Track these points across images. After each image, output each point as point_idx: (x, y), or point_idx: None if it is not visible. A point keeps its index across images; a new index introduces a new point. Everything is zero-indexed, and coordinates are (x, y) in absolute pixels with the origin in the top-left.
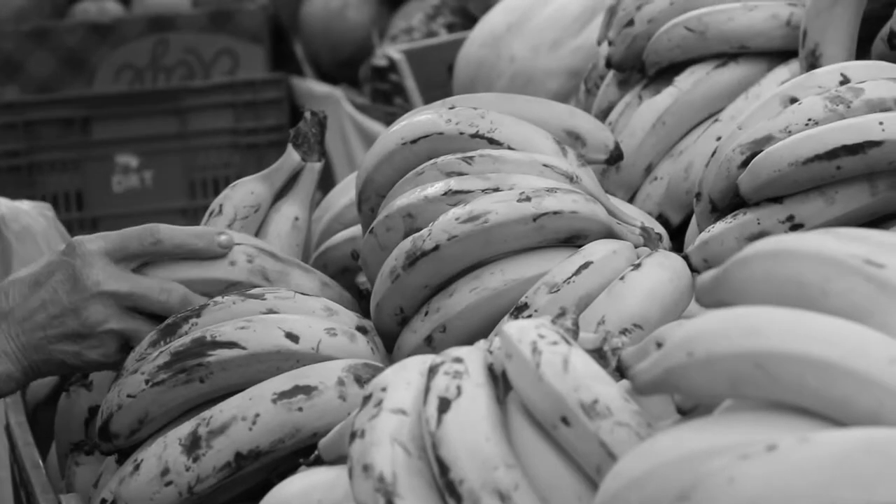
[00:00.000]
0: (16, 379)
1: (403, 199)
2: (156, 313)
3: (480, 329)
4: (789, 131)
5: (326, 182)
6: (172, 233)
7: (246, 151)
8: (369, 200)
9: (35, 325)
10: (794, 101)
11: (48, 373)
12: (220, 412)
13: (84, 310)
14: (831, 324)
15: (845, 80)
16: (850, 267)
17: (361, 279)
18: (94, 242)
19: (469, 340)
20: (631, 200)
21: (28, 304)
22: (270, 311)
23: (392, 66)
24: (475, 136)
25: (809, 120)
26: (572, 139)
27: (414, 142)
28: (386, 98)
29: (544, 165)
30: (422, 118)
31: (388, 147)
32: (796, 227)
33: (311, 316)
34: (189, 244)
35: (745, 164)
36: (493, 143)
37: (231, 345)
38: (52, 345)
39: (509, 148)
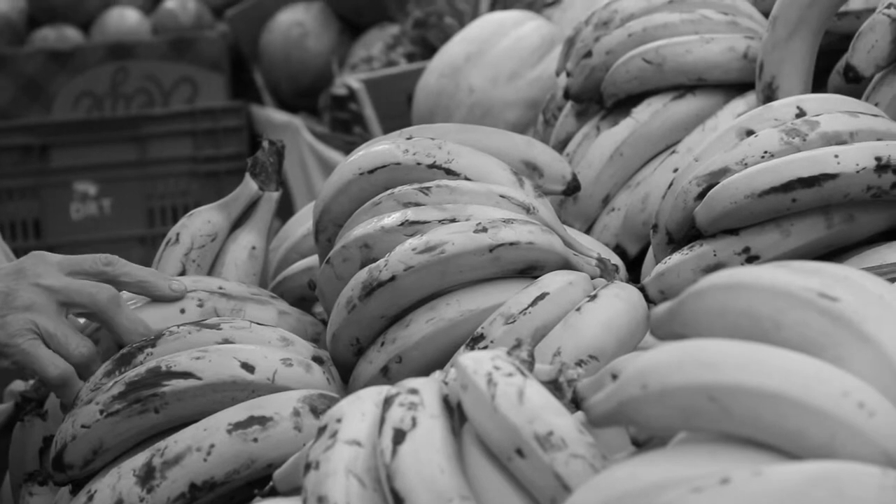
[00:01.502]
0: None
1: (360, 229)
2: (86, 309)
3: (437, 360)
4: (745, 163)
5: (285, 211)
6: (126, 262)
7: (205, 179)
8: (326, 231)
9: None
10: (750, 133)
11: None
12: (174, 443)
13: (10, 315)
14: (784, 357)
15: (801, 113)
16: (804, 300)
17: (318, 309)
18: (52, 256)
19: (425, 371)
20: (588, 231)
21: None
22: (226, 341)
23: (351, 95)
24: (432, 166)
25: (765, 152)
26: (530, 170)
27: (371, 172)
28: (345, 127)
29: (501, 196)
30: (379, 148)
31: (345, 177)
32: (752, 259)
33: (267, 346)
34: (140, 276)
35: (701, 195)
36: (450, 173)
37: (186, 375)
38: None
39: (466, 178)
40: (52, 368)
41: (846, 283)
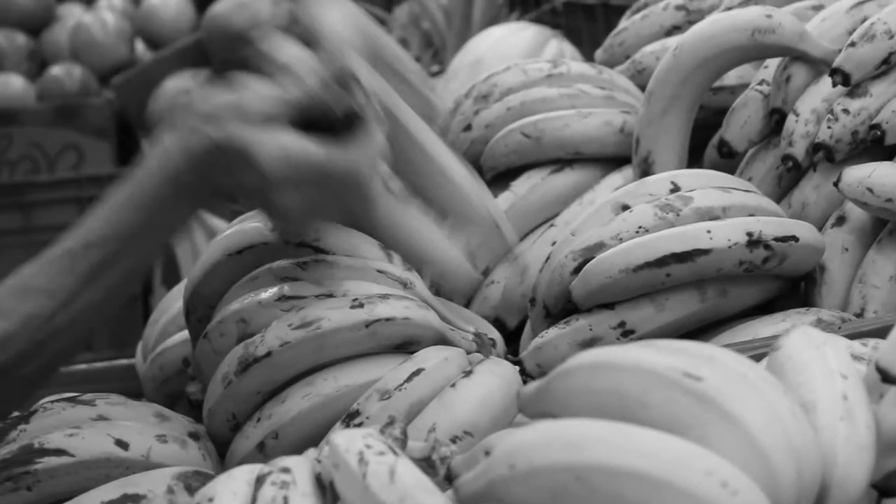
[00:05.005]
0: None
1: (237, 303)
2: None
3: (313, 435)
4: (620, 238)
5: (171, 278)
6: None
7: None
8: (196, 311)
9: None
10: (625, 207)
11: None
12: None
13: None
14: (650, 436)
15: (675, 188)
16: (669, 379)
17: (191, 388)
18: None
19: (302, 447)
20: (468, 305)
21: None
22: (101, 418)
23: None
24: (301, 245)
25: (640, 227)
26: None
27: (239, 252)
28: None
29: (378, 271)
30: (248, 227)
31: (214, 258)
32: (628, 334)
33: (143, 422)
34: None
35: (577, 270)
36: (318, 251)
37: (59, 452)
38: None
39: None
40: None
41: (711, 362)
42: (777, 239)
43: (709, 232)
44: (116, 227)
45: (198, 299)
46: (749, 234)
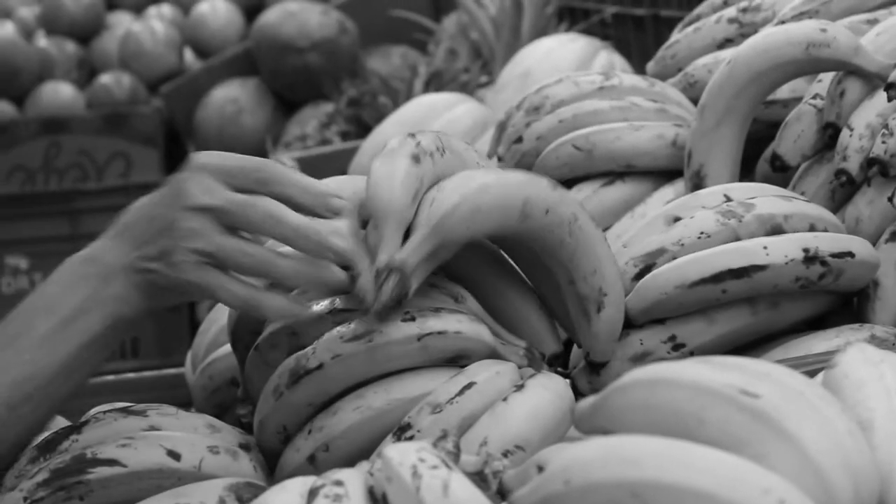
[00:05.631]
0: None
1: None
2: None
3: (364, 448)
4: (682, 244)
5: None
6: (283, 177)
7: None
8: (244, 339)
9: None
10: (677, 220)
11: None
12: None
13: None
14: (707, 454)
15: (728, 200)
16: (726, 396)
17: (242, 411)
18: (209, 156)
19: (353, 459)
20: None
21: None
22: (152, 428)
23: None
24: None
25: (702, 233)
26: None
27: None
28: None
29: (430, 285)
30: None
31: None
32: (678, 347)
33: (194, 433)
34: (295, 198)
35: (638, 276)
36: None
37: (112, 462)
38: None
39: None
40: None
41: (768, 379)
42: (833, 255)
43: (765, 248)
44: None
45: (242, 326)
46: (805, 251)
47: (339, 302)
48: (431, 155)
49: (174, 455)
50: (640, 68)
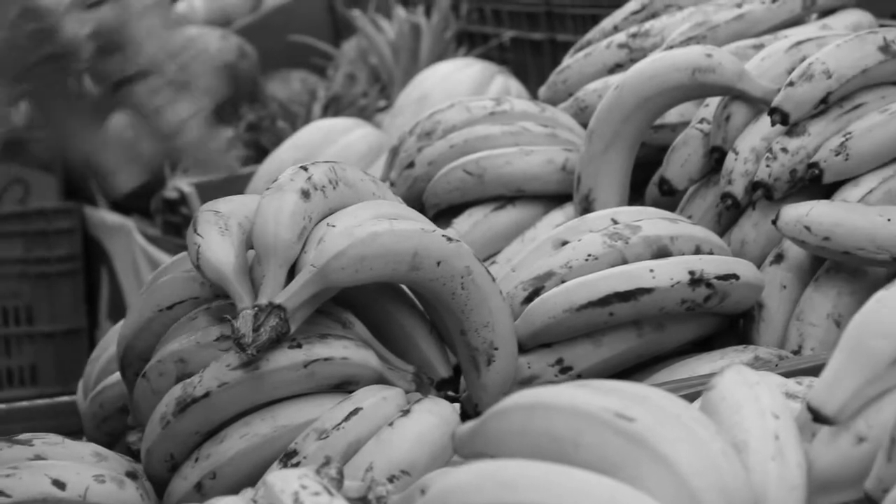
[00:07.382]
0: None
1: (175, 343)
2: None
3: (251, 475)
4: (570, 266)
5: (117, 311)
6: None
7: (36, 281)
8: (133, 366)
9: None
10: (564, 244)
11: None
12: None
13: None
14: (582, 477)
15: (615, 224)
16: (601, 420)
17: (132, 438)
18: None
19: (240, 487)
20: None
21: None
22: (38, 457)
23: (183, 198)
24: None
25: (589, 255)
26: None
27: (170, 308)
28: (177, 230)
29: (317, 311)
30: (179, 278)
31: (146, 315)
32: (566, 371)
33: (80, 462)
34: None
35: (527, 300)
36: None
37: None
38: None
39: None
40: None
41: (645, 402)
42: (719, 277)
43: (651, 270)
44: None
45: (132, 354)
46: (691, 273)
47: (225, 329)
48: (323, 188)
49: (59, 484)
50: (536, 92)
